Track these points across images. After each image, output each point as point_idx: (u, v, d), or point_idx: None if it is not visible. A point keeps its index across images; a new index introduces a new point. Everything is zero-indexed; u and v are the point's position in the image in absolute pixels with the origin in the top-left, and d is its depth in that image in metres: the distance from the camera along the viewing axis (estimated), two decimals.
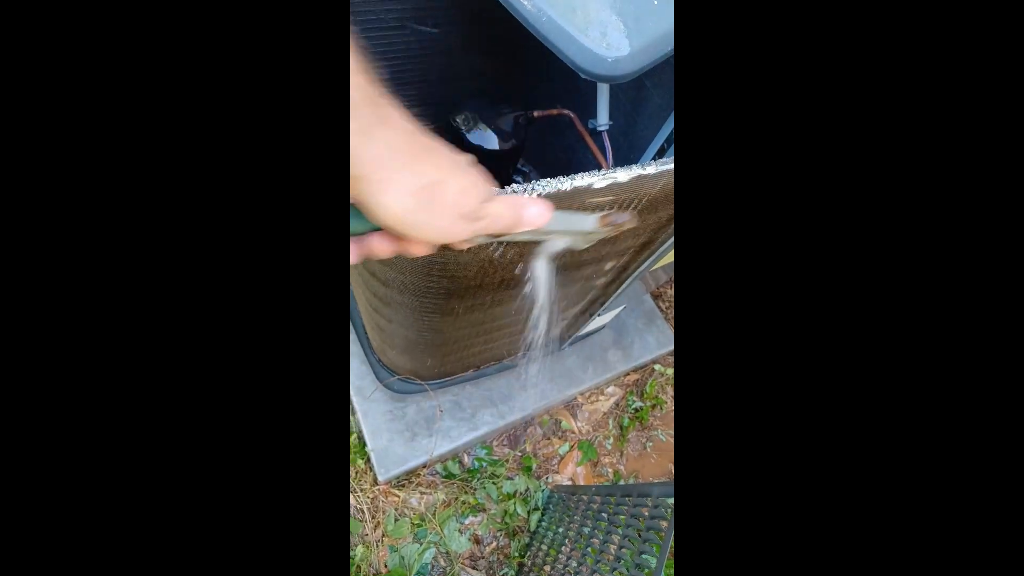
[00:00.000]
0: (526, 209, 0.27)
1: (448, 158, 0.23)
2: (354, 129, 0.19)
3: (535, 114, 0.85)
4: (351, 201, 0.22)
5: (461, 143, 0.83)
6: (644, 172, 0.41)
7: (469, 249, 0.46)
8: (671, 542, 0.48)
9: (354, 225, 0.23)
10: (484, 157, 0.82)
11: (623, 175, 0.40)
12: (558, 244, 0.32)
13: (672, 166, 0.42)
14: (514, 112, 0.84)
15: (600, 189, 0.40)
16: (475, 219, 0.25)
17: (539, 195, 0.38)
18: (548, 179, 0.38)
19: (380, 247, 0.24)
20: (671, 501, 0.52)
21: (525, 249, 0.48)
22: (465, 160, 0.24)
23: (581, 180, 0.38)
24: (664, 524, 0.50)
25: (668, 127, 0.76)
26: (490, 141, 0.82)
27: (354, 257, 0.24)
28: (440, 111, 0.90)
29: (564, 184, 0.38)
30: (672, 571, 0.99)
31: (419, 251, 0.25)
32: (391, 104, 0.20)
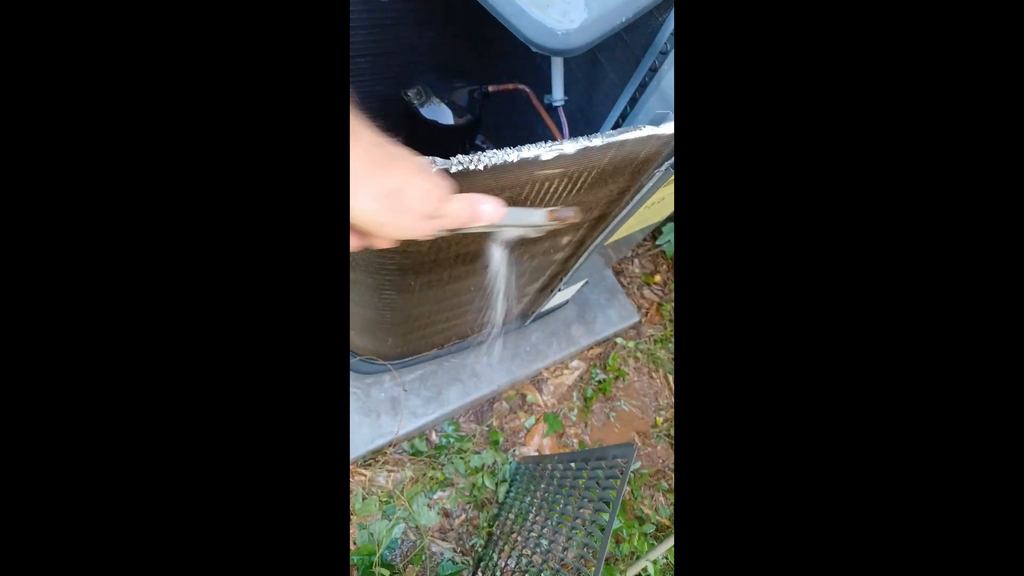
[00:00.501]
0: (480, 206, 0.30)
1: (411, 164, 0.25)
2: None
3: (490, 89, 0.84)
4: None
5: (413, 117, 0.81)
6: (591, 144, 0.42)
7: None
8: (620, 498, 0.51)
9: None
10: (438, 132, 0.81)
11: (569, 147, 0.41)
12: (512, 234, 0.34)
13: (620, 138, 0.43)
14: (468, 86, 0.83)
15: (548, 161, 0.40)
16: (434, 217, 0.28)
17: (486, 166, 0.38)
18: (495, 151, 0.38)
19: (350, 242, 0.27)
20: (624, 461, 0.54)
21: (481, 237, 0.49)
22: (426, 164, 0.26)
23: (528, 152, 0.39)
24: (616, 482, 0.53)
25: (622, 103, 0.77)
26: (444, 116, 0.80)
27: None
28: (392, 85, 0.87)
29: (511, 155, 0.38)
30: (623, 522, 1.04)
31: (383, 245, 0.28)
32: (360, 120, 0.23)
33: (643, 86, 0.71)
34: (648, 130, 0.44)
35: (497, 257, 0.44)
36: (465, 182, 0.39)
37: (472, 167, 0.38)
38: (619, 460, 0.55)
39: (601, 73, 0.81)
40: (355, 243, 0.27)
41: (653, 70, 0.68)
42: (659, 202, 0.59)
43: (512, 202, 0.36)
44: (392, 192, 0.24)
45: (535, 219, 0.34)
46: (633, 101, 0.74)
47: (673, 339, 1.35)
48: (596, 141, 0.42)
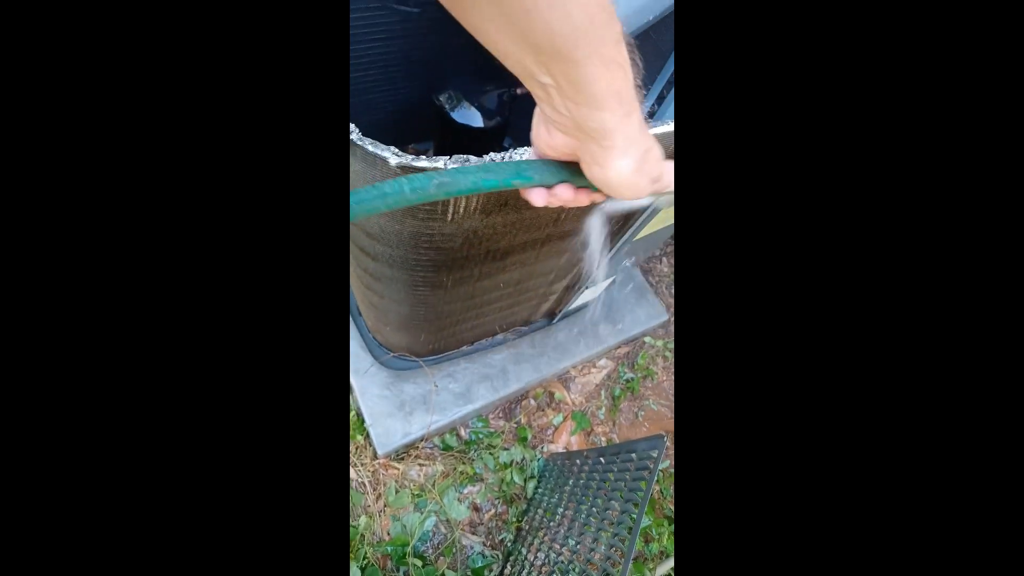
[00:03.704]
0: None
1: (649, 132, 0.28)
2: (624, 111, 0.25)
3: (518, 91, 0.86)
4: (574, 159, 0.29)
5: (445, 122, 0.84)
6: None
7: (453, 220, 0.48)
8: (650, 493, 0.51)
9: (550, 177, 0.30)
10: (468, 135, 0.83)
11: None
12: (646, 202, 0.36)
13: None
14: (497, 90, 0.85)
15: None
16: (656, 181, 0.30)
17: (511, 158, 0.39)
18: (520, 149, 0.40)
19: (563, 194, 0.31)
20: (655, 454, 0.55)
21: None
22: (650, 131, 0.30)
23: None
24: (646, 474, 0.53)
25: (650, 100, 0.77)
26: (474, 119, 0.83)
27: (540, 201, 0.31)
28: (423, 90, 0.90)
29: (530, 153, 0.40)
30: (653, 520, 1.03)
31: (583, 202, 0.32)
32: (635, 95, 0.26)
33: (671, 83, 0.71)
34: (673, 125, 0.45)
35: (595, 227, 0.49)
36: None
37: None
38: (649, 453, 0.56)
39: None
40: (568, 196, 0.31)
41: None
42: None
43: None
44: (642, 156, 0.27)
45: None
46: (660, 99, 0.75)
47: None
48: None
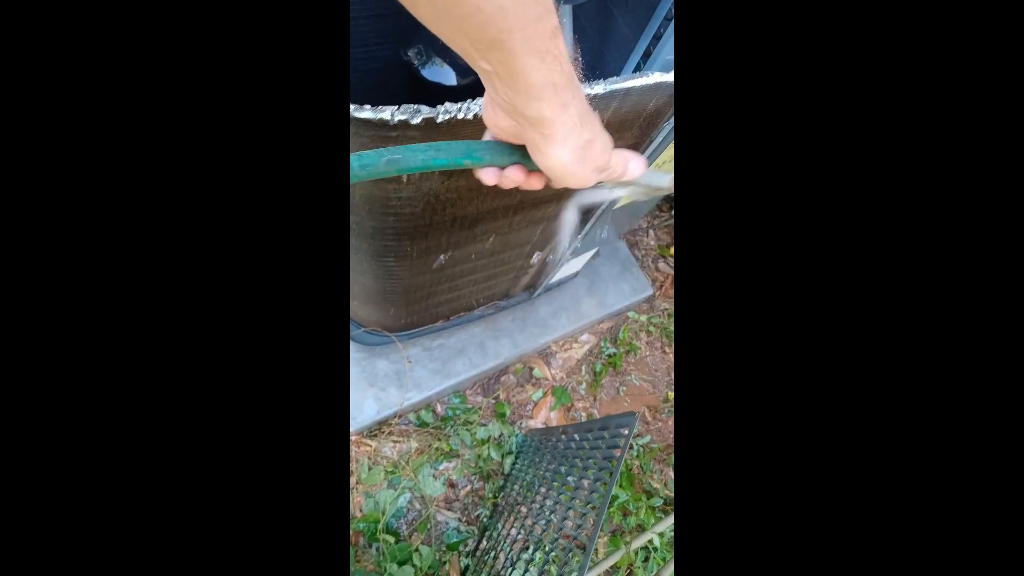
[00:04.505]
0: (630, 163, 0.33)
1: (597, 122, 0.29)
2: (560, 102, 0.25)
3: None
4: (521, 142, 0.29)
5: (415, 80, 0.77)
6: (592, 92, 0.38)
7: (410, 182, 0.43)
8: (619, 468, 0.49)
9: (502, 158, 0.30)
10: (441, 93, 0.77)
11: None
12: (617, 193, 0.37)
13: (623, 85, 0.39)
14: None
15: None
16: (603, 170, 0.30)
17: (475, 116, 0.35)
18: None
19: (514, 176, 0.31)
20: (626, 431, 0.52)
21: (479, 202, 0.51)
22: (600, 122, 0.29)
23: None
24: (618, 452, 0.51)
25: (635, 58, 0.72)
26: (446, 76, 0.77)
27: (492, 180, 0.31)
28: (394, 47, 0.83)
29: None
30: (631, 495, 1.03)
31: (537, 186, 0.32)
32: (575, 82, 0.26)
33: (657, 38, 0.66)
34: (655, 77, 0.40)
35: (568, 219, 0.49)
36: (460, 132, 0.36)
37: (462, 117, 0.35)
38: (621, 430, 0.53)
39: (614, 26, 0.75)
40: (518, 179, 0.31)
41: (668, 19, 0.63)
42: (665, 162, 0.55)
43: None
44: (584, 144, 0.27)
45: (663, 182, 0.36)
46: (647, 55, 0.69)
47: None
48: (597, 88, 0.38)
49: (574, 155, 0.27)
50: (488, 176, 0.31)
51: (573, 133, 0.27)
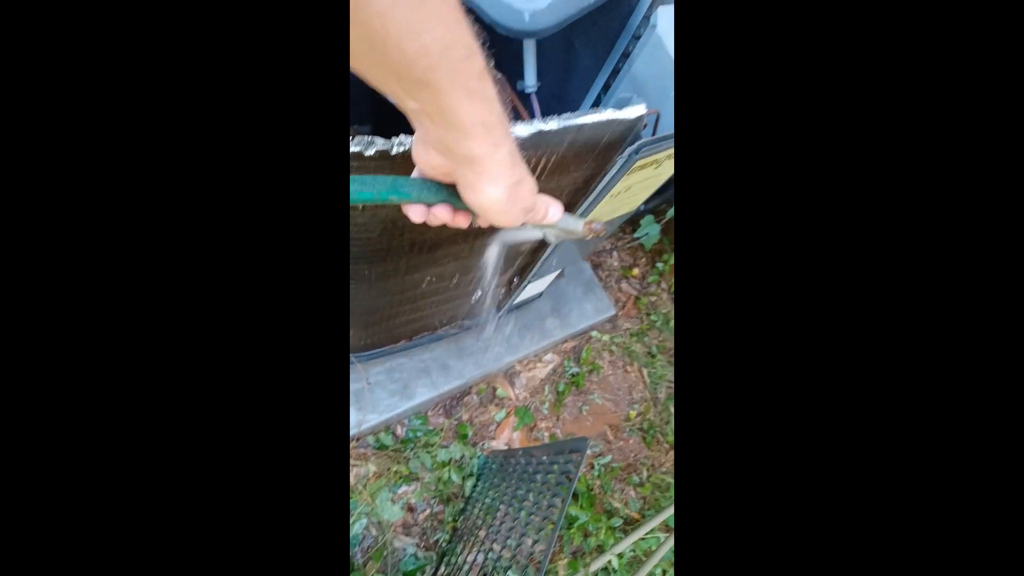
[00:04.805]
0: (551, 207, 0.35)
1: (524, 163, 0.29)
2: (492, 141, 0.26)
3: None
4: (451, 180, 0.29)
5: (380, 108, 0.78)
6: (545, 128, 0.39)
7: (366, 209, 0.43)
8: (570, 497, 0.50)
9: (429, 196, 0.30)
10: (405, 121, 0.78)
11: (523, 130, 0.38)
12: (536, 234, 0.39)
13: (576, 122, 0.41)
14: None
15: None
16: (529, 211, 0.32)
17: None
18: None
19: (441, 215, 0.31)
20: (577, 457, 0.53)
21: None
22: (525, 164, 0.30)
23: None
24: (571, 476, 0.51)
25: (595, 89, 0.74)
26: None
27: (419, 217, 0.32)
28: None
29: None
30: (591, 516, 1.03)
31: (463, 224, 0.33)
32: (505, 122, 0.26)
33: (615, 72, 0.69)
34: (608, 114, 0.42)
35: (491, 257, 0.51)
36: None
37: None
38: (572, 457, 0.54)
39: (576, 59, 0.78)
40: (445, 217, 0.32)
41: (626, 55, 0.66)
42: (625, 191, 0.57)
43: None
44: (515, 184, 0.28)
45: (576, 228, 0.38)
46: (607, 87, 0.72)
47: (649, 333, 1.34)
48: (551, 124, 0.39)
49: (506, 193, 0.28)
50: (415, 213, 0.31)
51: (505, 172, 0.27)
